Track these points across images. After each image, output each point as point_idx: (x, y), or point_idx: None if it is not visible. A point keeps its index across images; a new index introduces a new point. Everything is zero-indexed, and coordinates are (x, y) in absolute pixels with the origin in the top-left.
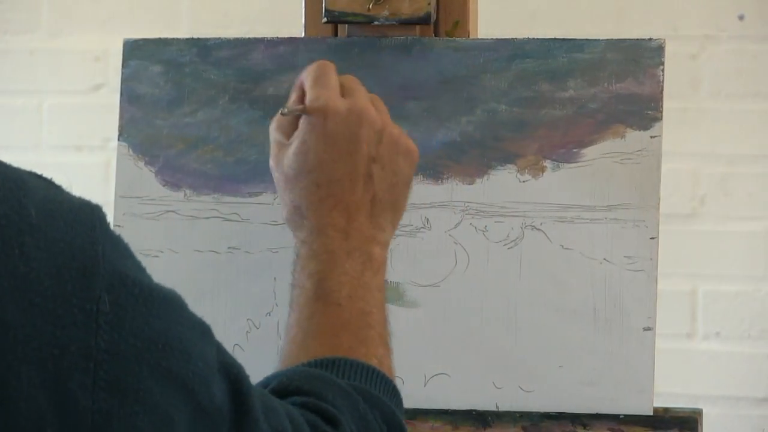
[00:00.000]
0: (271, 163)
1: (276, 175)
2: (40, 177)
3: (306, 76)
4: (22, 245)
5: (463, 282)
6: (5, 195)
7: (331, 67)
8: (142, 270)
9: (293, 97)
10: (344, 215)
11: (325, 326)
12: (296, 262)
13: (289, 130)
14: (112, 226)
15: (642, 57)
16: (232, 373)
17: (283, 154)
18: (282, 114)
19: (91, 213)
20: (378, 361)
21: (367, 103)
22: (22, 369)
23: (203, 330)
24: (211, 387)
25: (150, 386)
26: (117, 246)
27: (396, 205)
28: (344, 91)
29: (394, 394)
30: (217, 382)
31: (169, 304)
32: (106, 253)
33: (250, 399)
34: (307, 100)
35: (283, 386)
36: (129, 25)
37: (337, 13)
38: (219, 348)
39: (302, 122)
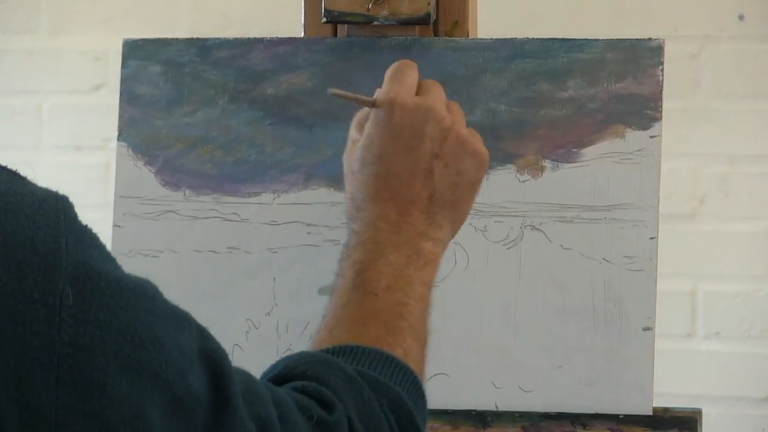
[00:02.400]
0: (344, 158)
1: (345, 169)
2: (3, 169)
3: (386, 73)
4: None
5: (463, 282)
6: None
7: (411, 66)
8: (111, 261)
9: (376, 92)
10: (398, 209)
11: (357, 315)
12: (344, 252)
13: (365, 125)
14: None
15: (641, 57)
16: (213, 359)
17: (354, 148)
18: (330, 94)
19: (55, 204)
20: (404, 351)
21: (438, 101)
22: None
23: (178, 318)
24: (186, 376)
25: (118, 379)
26: (82, 238)
27: (457, 205)
28: (420, 91)
29: (414, 385)
30: (195, 370)
31: (139, 294)
32: (70, 245)
33: (231, 386)
34: (380, 93)
35: (288, 370)
36: (129, 25)
37: (336, 13)
38: (202, 333)
39: (371, 116)
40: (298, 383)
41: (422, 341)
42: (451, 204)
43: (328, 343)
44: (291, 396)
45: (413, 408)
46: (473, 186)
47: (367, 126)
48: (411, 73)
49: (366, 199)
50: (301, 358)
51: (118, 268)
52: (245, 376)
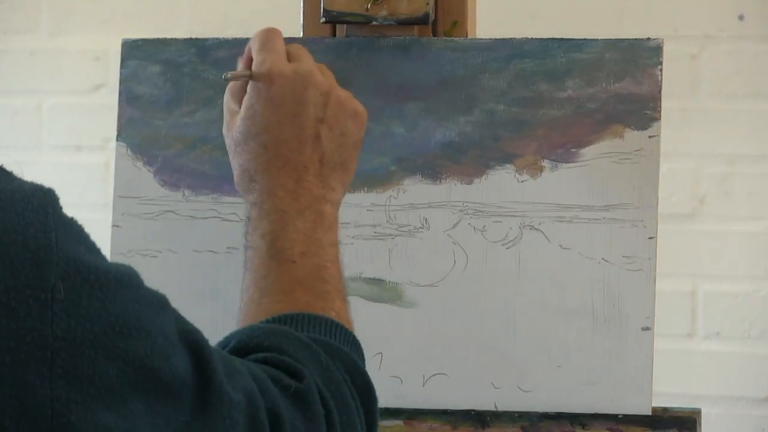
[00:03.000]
0: (224, 130)
1: (227, 141)
2: None
3: (252, 42)
4: None
5: (462, 282)
6: None
7: (277, 33)
8: (96, 252)
9: (240, 64)
10: (293, 176)
11: (281, 283)
12: (247, 224)
13: (242, 96)
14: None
15: (640, 57)
16: (191, 341)
17: (234, 120)
18: (225, 79)
19: (43, 198)
20: (336, 314)
21: (313, 66)
22: None
23: (160, 303)
24: (170, 359)
25: (105, 369)
26: (70, 231)
27: (345, 166)
28: (290, 57)
29: (355, 344)
30: (178, 353)
31: (125, 285)
32: (59, 239)
33: (212, 363)
34: (254, 65)
35: (242, 344)
36: (129, 26)
37: (335, 13)
38: (177, 317)
39: (249, 87)
40: (260, 355)
41: (346, 300)
42: (341, 165)
43: (262, 315)
44: (260, 368)
45: (364, 367)
46: (356, 145)
47: (246, 98)
48: (279, 41)
49: (258, 170)
50: (253, 331)
51: (103, 258)
52: (221, 353)
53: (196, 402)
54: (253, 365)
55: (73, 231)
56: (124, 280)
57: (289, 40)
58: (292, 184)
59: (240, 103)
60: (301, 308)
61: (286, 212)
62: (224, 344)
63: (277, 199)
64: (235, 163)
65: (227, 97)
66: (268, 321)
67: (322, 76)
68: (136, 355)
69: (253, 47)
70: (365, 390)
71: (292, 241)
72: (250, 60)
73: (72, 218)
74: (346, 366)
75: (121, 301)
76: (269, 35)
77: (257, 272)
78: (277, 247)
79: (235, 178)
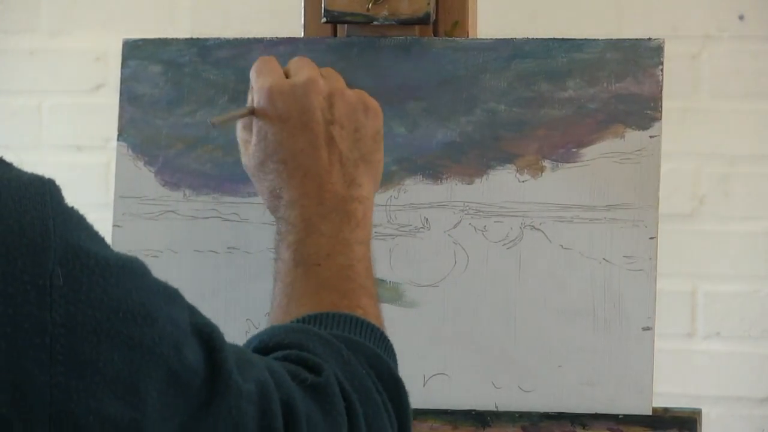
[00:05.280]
0: (243, 162)
1: (249, 172)
2: None
3: (251, 77)
4: None
5: (463, 282)
6: None
7: (269, 59)
8: (99, 241)
9: (249, 99)
10: (315, 182)
11: (306, 288)
12: (276, 238)
13: (252, 126)
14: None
15: (641, 57)
16: (205, 333)
17: (249, 149)
18: (213, 125)
19: (42, 187)
20: (363, 311)
21: (311, 74)
22: None
23: (169, 294)
24: (181, 349)
25: (110, 356)
26: (69, 219)
27: (368, 158)
28: (288, 74)
29: (382, 340)
30: (190, 344)
31: (128, 271)
32: (58, 226)
33: (223, 354)
34: (254, 96)
35: (263, 344)
36: (129, 25)
37: (336, 13)
38: (192, 310)
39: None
40: (279, 353)
41: (375, 297)
42: (362, 160)
43: (287, 319)
44: (279, 364)
45: (389, 360)
46: (376, 137)
47: (255, 124)
48: (272, 65)
49: (282, 184)
50: (274, 330)
51: (107, 247)
52: (237, 347)
53: (204, 393)
54: (272, 360)
55: (73, 218)
56: (128, 267)
57: (290, 40)
58: (316, 190)
59: (251, 133)
60: (326, 308)
61: (311, 219)
62: (247, 345)
63: (302, 208)
64: (261, 188)
65: (239, 131)
66: (294, 321)
67: (322, 81)
68: (142, 342)
69: (251, 79)
70: (392, 384)
71: (316, 246)
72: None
73: (72, 207)
74: (369, 360)
75: (125, 287)
76: (262, 63)
77: (284, 281)
78: (302, 254)
79: (265, 203)
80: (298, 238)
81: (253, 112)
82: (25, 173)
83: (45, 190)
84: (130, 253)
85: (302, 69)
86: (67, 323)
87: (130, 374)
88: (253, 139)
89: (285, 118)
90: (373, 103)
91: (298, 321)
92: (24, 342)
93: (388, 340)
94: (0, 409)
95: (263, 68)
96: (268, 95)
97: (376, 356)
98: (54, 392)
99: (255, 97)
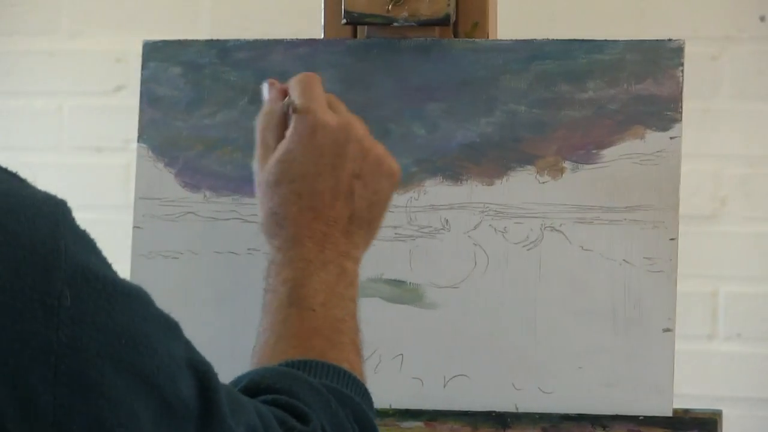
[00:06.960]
0: (255, 164)
1: (258, 178)
2: (3, 171)
3: (292, 87)
4: None
5: (483, 283)
6: None
7: (317, 79)
8: (108, 266)
9: (271, 93)
10: (321, 228)
11: (298, 330)
12: (270, 268)
13: (278, 132)
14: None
15: (661, 58)
16: (200, 371)
17: (268, 158)
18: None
19: (55, 207)
20: (349, 365)
21: (355, 119)
22: None
23: (170, 326)
24: (177, 382)
25: (114, 381)
26: (81, 241)
27: (372, 224)
28: (330, 106)
29: (366, 396)
30: (184, 377)
31: (133, 299)
32: (69, 247)
33: (218, 396)
34: (296, 100)
35: (254, 384)
36: (149, 27)
37: (356, 15)
38: (188, 345)
39: (290, 130)
40: (269, 396)
41: (360, 356)
42: (368, 223)
43: (276, 359)
44: (268, 409)
45: (373, 418)
46: (386, 205)
47: (286, 141)
48: (319, 88)
49: (288, 217)
50: (266, 372)
51: (114, 273)
52: (228, 387)
53: (197, 431)
54: (260, 405)
55: (84, 241)
56: (133, 294)
57: (310, 42)
58: (320, 236)
59: (275, 139)
60: (315, 356)
61: (312, 262)
62: (236, 383)
63: (303, 248)
64: (264, 204)
65: (263, 130)
66: (281, 364)
67: (363, 130)
68: (142, 371)
69: (294, 92)
70: None
71: (314, 291)
72: (284, 93)
73: (84, 230)
74: (356, 415)
75: (129, 314)
76: (310, 81)
77: (275, 316)
78: (299, 295)
79: (262, 219)
80: (295, 276)
81: (295, 110)
82: (40, 191)
83: (58, 210)
84: (150, 254)
85: (342, 108)
86: (73, 344)
87: (131, 401)
88: (278, 155)
89: (318, 153)
90: (397, 167)
91: (287, 364)
92: (30, 359)
93: (371, 397)
94: (6, 425)
95: (308, 88)
96: (313, 123)
97: (362, 411)
98: (57, 412)
99: (299, 105)
